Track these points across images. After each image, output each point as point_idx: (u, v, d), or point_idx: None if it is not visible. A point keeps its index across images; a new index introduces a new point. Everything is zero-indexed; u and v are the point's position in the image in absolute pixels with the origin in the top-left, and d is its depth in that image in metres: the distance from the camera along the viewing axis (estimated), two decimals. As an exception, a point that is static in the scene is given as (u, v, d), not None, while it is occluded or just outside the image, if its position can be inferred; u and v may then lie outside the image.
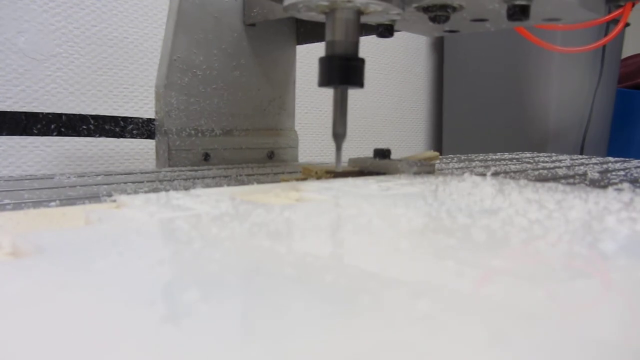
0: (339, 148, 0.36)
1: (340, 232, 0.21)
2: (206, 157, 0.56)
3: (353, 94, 1.18)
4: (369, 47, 1.19)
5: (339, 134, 0.36)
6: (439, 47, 1.34)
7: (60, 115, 0.52)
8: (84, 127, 0.53)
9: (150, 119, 0.56)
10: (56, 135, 0.52)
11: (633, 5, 0.61)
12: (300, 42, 0.65)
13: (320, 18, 0.37)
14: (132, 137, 0.55)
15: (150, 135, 0.56)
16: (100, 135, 0.54)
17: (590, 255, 0.17)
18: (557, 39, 0.98)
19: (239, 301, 0.13)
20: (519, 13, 0.38)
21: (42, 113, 0.51)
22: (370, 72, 1.21)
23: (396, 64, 1.28)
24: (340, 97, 0.36)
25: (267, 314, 0.12)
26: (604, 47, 1.10)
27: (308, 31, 0.64)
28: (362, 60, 0.35)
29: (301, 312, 0.12)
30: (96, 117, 0.53)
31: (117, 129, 0.55)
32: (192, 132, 0.56)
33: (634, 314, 0.13)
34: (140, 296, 0.13)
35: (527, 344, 0.10)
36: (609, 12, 0.64)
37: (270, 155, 0.62)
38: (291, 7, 0.35)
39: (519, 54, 1.12)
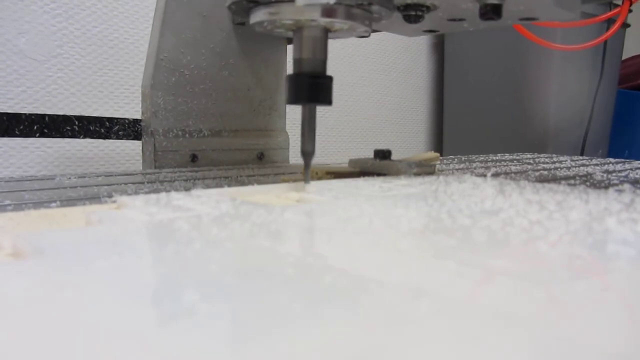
0: (307, 166, 0.35)
1: (341, 232, 0.21)
2: (194, 159, 0.56)
3: (353, 94, 1.18)
4: (369, 47, 1.19)
5: (307, 152, 0.35)
6: (439, 48, 1.34)
7: (42, 116, 0.51)
8: (69, 128, 0.53)
9: (136, 119, 0.56)
10: (39, 137, 0.52)
11: (631, 3, 0.61)
12: (291, 42, 0.64)
13: (289, 34, 0.37)
14: (117, 137, 0.55)
15: (136, 136, 0.55)
16: (85, 137, 0.54)
17: (591, 256, 0.17)
18: (557, 39, 0.97)
19: (240, 302, 0.13)
20: (490, 12, 0.38)
21: (25, 114, 0.51)
22: (370, 73, 1.21)
23: (396, 65, 1.28)
24: (308, 114, 0.35)
25: (267, 314, 0.12)
26: (604, 47, 1.10)
27: None
28: (330, 78, 0.35)
29: (301, 313, 0.12)
30: (80, 118, 0.53)
31: (103, 130, 0.54)
32: (180, 132, 0.55)
33: (634, 315, 0.13)
34: (140, 297, 0.13)
35: (527, 344, 0.10)
36: (608, 10, 0.64)
37: (260, 157, 0.61)
38: (257, 25, 0.36)
39: (520, 55, 1.12)
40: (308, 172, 0.35)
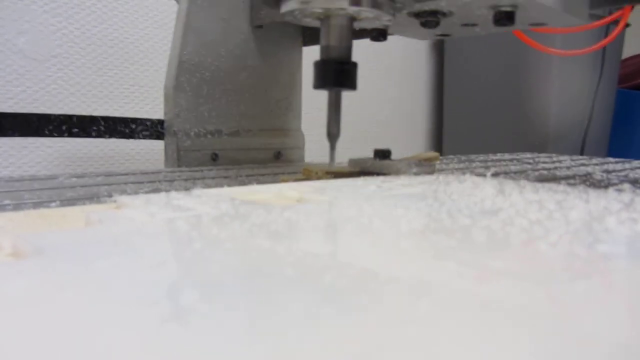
0: (332, 147, 0.39)
1: (341, 232, 0.21)
2: (214, 158, 0.57)
3: (354, 95, 1.18)
4: (369, 48, 1.19)
5: (333, 134, 0.38)
6: (439, 48, 1.34)
7: (70, 116, 0.53)
8: (95, 128, 0.54)
9: (159, 120, 0.57)
10: (67, 136, 0.53)
11: (632, 7, 0.61)
12: (306, 44, 0.66)
13: (316, 24, 0.39)
14: (142, 138, 0.56)
15: (159, 136, 0.57)
16: (111, 137, 0.55)
17: (591, 256, 0.17)
18: (557, 41, 0.98)
19: (240, 302, 0.13)
20: (504, 19, 0.41)
21: (53, 114, 0.52)
22: (370, 73, 1.21)
23: (397, 65, 1.28)
24: (334, 99, 0.38)
25: (267, 314, 0.12)
26: (604, 47, 1.10)
27: (314, 33, 0.65)
28: (355, 64, 0.38)
29: (301, 313, 0.12)
30: (106, 119, 0.55)
31: (127, 130, 0.56)
32: (201, 132, 0.57)
33: (634, 315, 0.13)
34: (140, 297, 0.13)
35: (527, 345, 0.10)
36: (609, 14, 0.64)
37: (278, 156, 0.63)
38: (288, 14, 0.38)
39: (520, 54, 1.12)
40: (333, 154, 0.39)
